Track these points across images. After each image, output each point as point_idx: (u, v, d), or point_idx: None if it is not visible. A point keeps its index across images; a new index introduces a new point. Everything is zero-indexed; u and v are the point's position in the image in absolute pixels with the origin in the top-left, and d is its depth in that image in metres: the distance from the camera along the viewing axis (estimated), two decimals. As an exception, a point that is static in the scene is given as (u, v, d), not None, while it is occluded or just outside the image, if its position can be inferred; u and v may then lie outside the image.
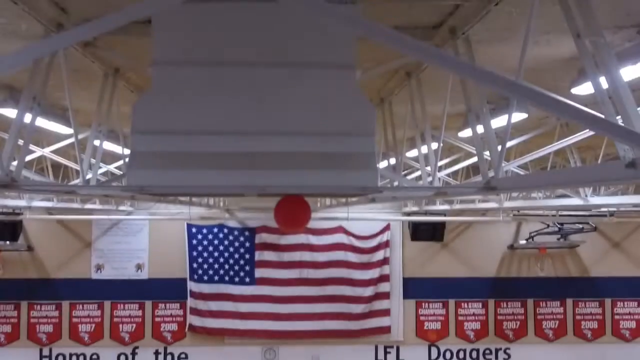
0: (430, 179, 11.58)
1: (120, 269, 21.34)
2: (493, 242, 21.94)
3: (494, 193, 11.17)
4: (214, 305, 21.17)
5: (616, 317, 22.31)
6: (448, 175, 14.79)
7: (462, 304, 22.05)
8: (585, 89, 9.24)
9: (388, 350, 21.77)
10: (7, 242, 20.03)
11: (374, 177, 8.20)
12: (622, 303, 22.34)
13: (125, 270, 21.36)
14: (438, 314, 22.04)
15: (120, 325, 21.33)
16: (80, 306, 21.31)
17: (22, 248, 20.78)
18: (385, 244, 21.65)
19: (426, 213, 19.17)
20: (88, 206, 17.02)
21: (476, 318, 22.07)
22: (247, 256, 21.34)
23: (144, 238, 21.41)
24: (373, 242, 21.64)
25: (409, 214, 20.03)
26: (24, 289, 21.17)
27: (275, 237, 21.19)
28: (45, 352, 21.18)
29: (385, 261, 21.64)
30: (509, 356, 21.96)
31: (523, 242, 21.66)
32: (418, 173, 13.04)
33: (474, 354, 21.91)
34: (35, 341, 21.14)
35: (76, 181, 11.80)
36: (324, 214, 19.49)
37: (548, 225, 20.78)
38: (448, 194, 12.81)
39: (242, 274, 21.29)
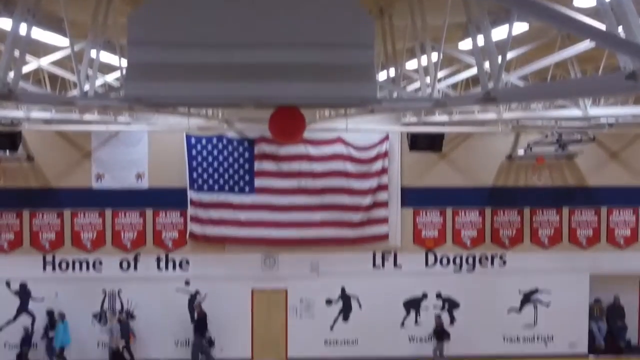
0: (429, 90, 11.55)
1: (121, 178, 21.46)
2: (491, 152, 22.02)
3: (493, 104, 11.16)
4: (214, 214, 21.41)
5: (611, 225, 22.62)
6: (447, 86, 14.71)
7: (460, 212, 22.31)
8: (587, 0, 9.11)
9: (386, 256, 22.14)
10: (7, 152, 20.06)
11: (373, 88, 8.18)
12: (617, 211, 22.61)
13: (126, 179, 21.49)
14: (435, 221, 22.33)
15: (122, 233, 21.63)
16: (82, 214, 21.55)
17: (22, 158, 20.85)
18: (384, 155, 21.72)
19: (425, 124, 19.14)
20: (87, 117, 16.99)
21: (473, 226, 22.37)
22: (246, 166, 21.44)
23: (144, 148, 21.44)
24: (372, 153, 21.71)
25: (407, 125, 20.02)
26: (25, 198, 21.36)
27: (274, 148, 21.25)
28: (49, 258, 21.54)
29: (383, 171, 21.77)
30: (505, 262, 22.37)
31: (521, 152, 21.73)
32: (417, 84, 12.98)
33: (470, 260, 22.30)
34: (38, 248, 21.47)
35: (74, 92, 11.73)
36: (323, 125, 19.47)
37: (547, 136, 20.81)
38: (447, 105, 12.80)
39: (241, 183, 21.45)
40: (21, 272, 21.44)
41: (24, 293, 21.53)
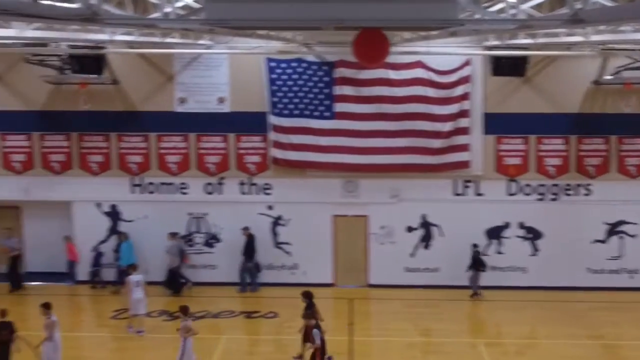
0: (513, 11, 11.20)
1: (203, 102, 21.78)
2: (577, 77, 21.32)
3: (580, 26, 10.78)
4: (294, 139, 21.56)
5: None
6: (532, 7, 14.20)
7: (543, 139, 21.82)
8: None
9: (467, 184, 21.96)
10: (93, 76, 20.55)
11: (455, 9, 8.00)
12: None
13: (208, 103, 21.79)
14: (518, 149, 21.92)
15: (206, 157, 22.05)
16: (167, 138, 22.05)
17: (108, 81, 21.35)
18: (465, 79, 21.33)
19: (508, 47, 18.63)
20: (168, 40, 17.18)
21: (557, 154, 21.88)
22: (326, 90, 21.41)
23: (225, 72, 21.64)
24: (453, 77, 21.33)
25: (490, 48, 19.53)
26: (112, 121, 21.95)
27: (354, 72, 21.11)
28: (137, 180, 22.21)
29: (465, 96, 21.40)
30: (590, 192, 21.88)
31: (609, 77, 20.98)
32: (501, 5, 12.58)
33: (554, 189, 21.90)
34: (126, 170, 22.14)
35: (156, 14, 11.86)
36: (403, 48, 19.18)
37: (636, 60, 19.97)
38: (532, 27, 12.41)
39: (321, 108, 21.47)
40: (110, 193, 22.23)
41: (114, 214, 22.35)
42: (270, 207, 22.22)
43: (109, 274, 22.20)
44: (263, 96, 21.51)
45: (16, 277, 22.11)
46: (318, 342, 15.43)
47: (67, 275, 22.36)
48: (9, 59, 21.54)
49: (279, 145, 21.74)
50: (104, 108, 21.89)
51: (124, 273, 21.01)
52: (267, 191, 22.18)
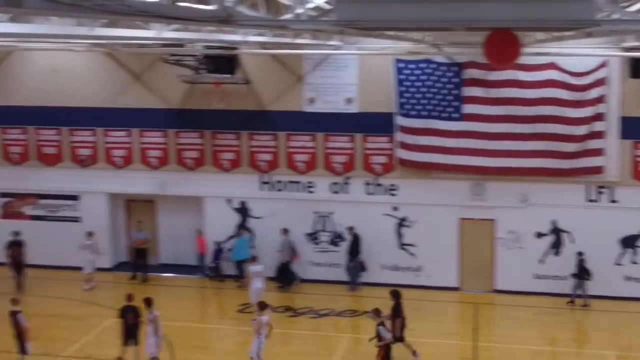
0: (655, 10, 10.66)
1: (331, 102, 22.00)
2: None
3: None
4: (421, 140, 21.42)
5: None
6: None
7: (685, 145, 20.72)
8: None
9: (601, 190, 21.14)
10: (226, 76, 21.17)
11: (591, 9, 7.72)
12: None
13: (336, 103, 21.99)
14: (658, 155, 20.91)
15: (332, 156, 22.26)
16: (295, 137, 22.41)
17: (240, 81, 21.93)
18: (601, 82, 20.50)
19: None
20: (298, 41, 17.45)
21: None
22: (454, 92, 21.15)
23: (353, 72, 21.77)
24: (587, 80, 20.57)
25: (628, 50, 18.70)
26: (244, 120, 22.52)
27: (484, 73, 20.73)
28: (266, 178, 22.70)
29: (600, 99, 20.59)
30: None
31: None
32: (641, 4, 12.02)
33: (698, 200, 20.76)
34: (255, 168, 22.67)
35: (287, 16, 12.08)
36: (535, 49, 18.68)
37: None
38: (675, 27, 11.76)
39: (449, 109, 21.22)
40: (240, 190, 22.82)
41: (243, 210, 22.94)
42: (395, 208, 22.17)
43: (229, 268, 22.80)
44: (391, 97, 21.50)
45: (142, 268, 23.06)
46: (387, 336, 15.72)
47: (197, 268, 23.12)
48: (148, 59, 22.51)
49: (405, 146, 21.66)
50: (236, 107, 22.49)
51: (240, 267, 21.62)
52: (393, 192, 22.14)
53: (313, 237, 22.62)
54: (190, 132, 22.94)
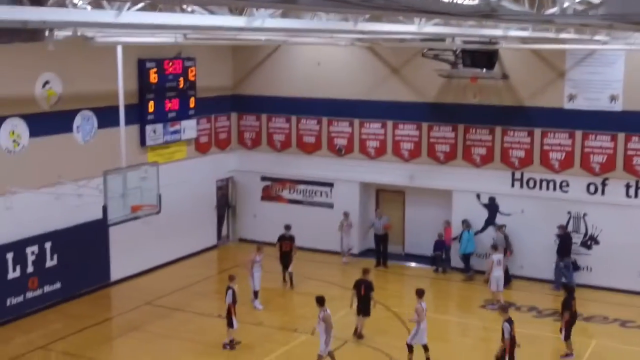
0: None
1: (593, 99, 21.04)
2: None
3: None
4: (692, 143, 19.87)
5: None
6: None
7: None
8: None
9: None
10: (484, 70, 21.03)
11: None
12: None
13: (598, 101, 21.00)
14: None
15: (591, 156, 21.32)
16: (552, 134, 21.73)
17: (497, 76, 21.66)
18: None
19: None
20: (562, 36, 16.91)
21: None
22: None
23: (619, 69, 20.65)
24: None
25: None
26: (498, 115, 22.24)
27: None
28: (517, 175, 22.26)
29: None
30: None
31: None
32: None
33: None
34: (508, 164, 22.30)
35: (553, 10, 11.77)
36: None
37: None
38: None
39: None
40: (490, 186, 22.60)
41: (492, 206, 22.71)
42: (657, 214, 20.79)
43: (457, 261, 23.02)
44: (660, 95, 20.15)
45: (383, 255, 23.71)
46: (507, 336, 15.33)
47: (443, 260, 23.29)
48: (406, 53, 22.94)
49: (672, 148, 20.21)
50: (491, 102, 22.26)
51: (467, 260, 22.09)
52: (656, 196, 20.79)
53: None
54: (444, 126, 23.08)
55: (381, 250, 23.84)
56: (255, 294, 19.70)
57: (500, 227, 22.08)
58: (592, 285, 21.41)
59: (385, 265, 23.60)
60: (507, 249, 21.67)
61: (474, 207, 22.83)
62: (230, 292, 17.21)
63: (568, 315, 16.83)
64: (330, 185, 24.88)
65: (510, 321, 15.64)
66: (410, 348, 16.48)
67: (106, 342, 17.94)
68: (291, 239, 22.02)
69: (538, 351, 17.40)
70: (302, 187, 25.35)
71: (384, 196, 24.95)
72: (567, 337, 16.89)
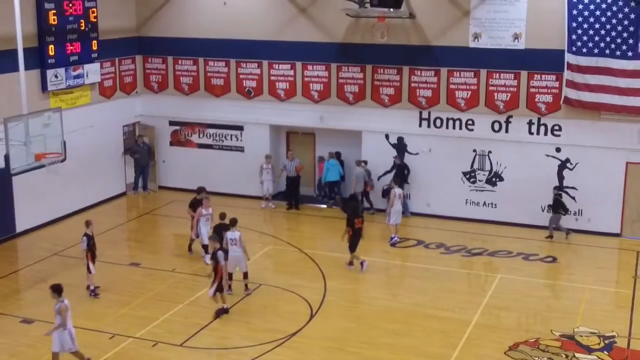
0: None
1: (497, 38, 21.39)
2: None
3: None
4: (591, 79, 20.51)
5: None
6: None
7: None
8: None
9: None
10: (391, 10, 21.03)
11: None
12: None
13: (502, 39, 21.37)
14: None
15: (495, 94, 21.79)
16: (457, 73, 22.05)
17: (405, 15, 21.72)
18: None
19: None
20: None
21: None
22: (630, 29, 19.97)
23: (522, 7, 21.02)
24: None
25: None
26: (406, 55, 22.39)
27: (665, 9, 19.44)
28: (425, 114, 22.59)
29: None
30: None
31: None
32: None
33: None
34: (415, 104, 22.58)
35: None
36: None
37: None
38: None
39: (624, 47, 20.09)
40: (399, 126, 22.88)
41: (400, 146, 23.03)
42: (558, 150, 21.51)
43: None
44: (561, 33, 20.62)
45: (295, 198, 23.96)
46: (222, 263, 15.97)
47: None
48: (314, -7, 22.77)
49: (572, 85, 20.81)
50: (398, 42, 22.36)
51: (332, 188, 23.56)
52: (556, 132, 21.46)
53: (470, 175, 22.41)
54: (352, 67, 23.09)
55: (293, 193, 23.95)
56: (205, 247, 19.11)
57: (361, 163, 22.83)
58: (496, 221, 22.15)
59: (297, 208, 23.75)
60: (368, 184, 22.77)
61: (383, 147, 23.11)
62: (84, 238, 16.96)
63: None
64: (241, 128, 24.67)
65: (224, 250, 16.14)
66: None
67: (14, 294, 17.50)
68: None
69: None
70: (211, 131, 25.04)
71: (295, 138, 24.95)
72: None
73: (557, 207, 21.14)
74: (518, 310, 16.67)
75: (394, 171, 22.91)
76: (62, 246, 20.04)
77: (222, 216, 18.21)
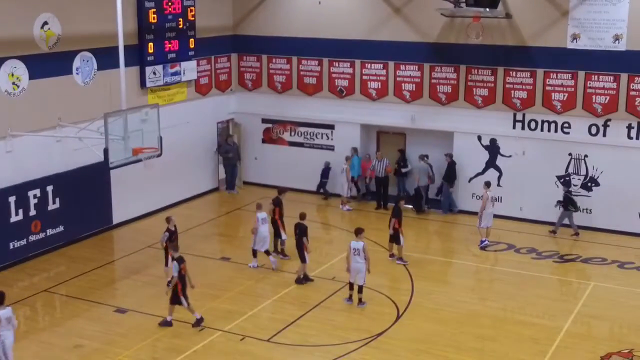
0: None
1: (597, 39, 20.77)
2: None
3: None
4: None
5: None
6: None
7: None
8: None
9: None
10: (487, 10, 20.73)
11: None
12: None
13: (602, 40, 20.74)
14: None
15: (593, 97, 21.17)
16: (554, 75, 21.53)
17: (501, 15, 21.36)
18: None
19: None
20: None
21: None
22: None
23: (624, 8, 20.34)
24: None
25: None
26: (501, 55, 22.02)
27: None
28: (519, 116, 22.15)
29: None
30: None
31: None
32: None
33: None
34: (509, 105, 22.17)
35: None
36: None
37: None
38: None
39: None
40: (492, 127, 22.52)
41: (493, 148, 22.66)
42: (658, 154, 20.77)
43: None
44: (665, 34, 19.91)
45: (383, 198, 23.89)
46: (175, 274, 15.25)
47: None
48: (408, -8, 22.65)
49: (676, 88, 20.06)
50: (494, 42, 22.01)
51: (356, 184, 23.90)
52: (658, 137, 20.74)
53: (565, 179, 21.86)
54: (445, 67, 22.86)
55: (382, 193, 23.90)
56: (267, 252, 18.95)
57: (423, 157, 22.98)
58: (591, 227, 21.53)
59: (385, 208, 23.67)
60: (430, 178, 23.10)
61: (475, 149, 22.80)
62: (166, 234, 17.35)
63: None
64: (332, 127, 24.78)
65: (180, 260, 15.39)
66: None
67: (109, 284, 18.08)
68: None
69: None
70: (303, 129, 25.26)
71: (385, 138, 24.88)
72: None
73: (567, 204, 20.95)
74: (611, 320, 16.18)
75: (485, 173, 22.61)
76: (156, 239, 20.58)
77: (302, 216, 18.27)
